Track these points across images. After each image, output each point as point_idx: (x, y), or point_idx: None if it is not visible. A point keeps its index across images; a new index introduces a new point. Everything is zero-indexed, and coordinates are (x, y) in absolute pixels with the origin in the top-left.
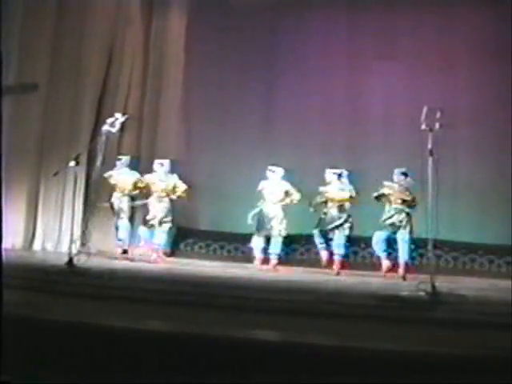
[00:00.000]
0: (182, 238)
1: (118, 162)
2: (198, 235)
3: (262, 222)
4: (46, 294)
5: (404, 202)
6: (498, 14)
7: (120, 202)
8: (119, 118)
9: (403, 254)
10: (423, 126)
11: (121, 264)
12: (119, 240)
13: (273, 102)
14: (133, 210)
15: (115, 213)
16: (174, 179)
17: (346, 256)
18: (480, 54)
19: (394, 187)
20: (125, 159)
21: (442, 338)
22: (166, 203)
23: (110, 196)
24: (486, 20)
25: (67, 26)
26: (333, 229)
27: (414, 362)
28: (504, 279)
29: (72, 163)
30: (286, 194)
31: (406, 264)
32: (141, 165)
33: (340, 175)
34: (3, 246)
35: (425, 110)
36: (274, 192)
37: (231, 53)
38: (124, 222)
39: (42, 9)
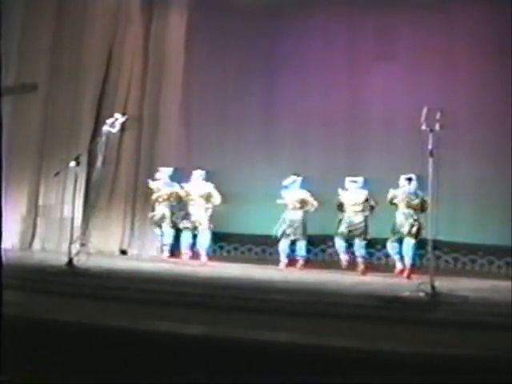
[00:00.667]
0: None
1: (157, 174)
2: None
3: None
4: (45, 294)
5: (409, 206)
6: (497, 15)
7: (163, 210)
8: (119, 118)
9: (408, 257)
10: (423, 127)
11: (120, 264)
12: (164, 245)
13: (273, 103)
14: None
15: (157, 221)
16: (210, 188)
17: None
18: (480, 55)
19: (397, 193)
20: (166, 171)
21: (442, 339)
22: (204, 209)
23: (153, 206)
24: (485, 20)
25: (67, 26)
26: (354, 234)
27: (414, 362)
28: (504, 280)
29: (72, 163)
30: (304, 202)
31: (412, 266)
32: (179, 175)
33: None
34: (3, 246)
35: (425, 110)
36: (294, 199)
37: (231, 53)
38: (168, 229)
39: (41, 9)
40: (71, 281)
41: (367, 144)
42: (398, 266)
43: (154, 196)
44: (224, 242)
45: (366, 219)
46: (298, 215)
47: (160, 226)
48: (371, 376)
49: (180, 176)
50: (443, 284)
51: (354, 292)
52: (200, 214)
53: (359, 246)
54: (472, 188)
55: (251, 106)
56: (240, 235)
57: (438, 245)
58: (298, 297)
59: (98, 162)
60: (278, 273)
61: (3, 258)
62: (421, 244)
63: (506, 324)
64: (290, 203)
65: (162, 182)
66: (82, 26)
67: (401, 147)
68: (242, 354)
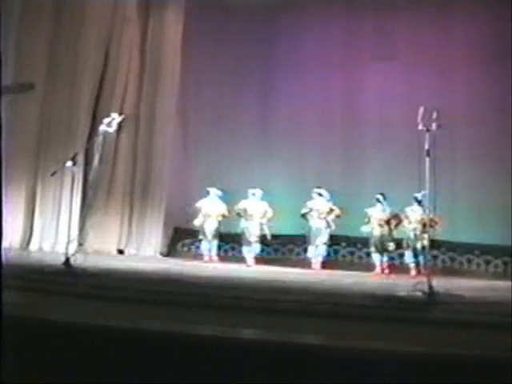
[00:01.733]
0: (178, 238)
1: (210, 191)
2: (194, 235)
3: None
4: (42, 294)
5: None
6: (496, 16)
7: (211, 225)
8: (116, 117)
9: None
10: (420, 127)
11: (117, 264)
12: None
13: (269, 102)
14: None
15: (203, 233)
16: (265, 206)
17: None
18: (477, 55)
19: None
20: (214, 191)
21: (439, 338)
22: (258, 224)
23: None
24: (483, 22)
25: (64, 26)
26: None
27: (410, 361)
28: (501, 279)
29: (69, 163)
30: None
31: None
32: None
33: (381, 199)
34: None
35: (421, 110)
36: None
37: (228, 53)
38: (213, 241)
39: (38, 9)
40: (68, 280)
41: (364, 144)
42: (413, 271)
43: (204, 211)
44: (221, 242)
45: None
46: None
47: (205, 236)
48: (368, 376)
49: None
50: (440, 283)
51: (351, 292)
52: (255, 227)
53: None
54: (469, 188)
55: (248, 105)
56: (236, 235)
57: (434, 244)
58: (295, 296)
59: (95, 162)
60: (275, 273)
61: (3, 258)
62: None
63: (504, 323)
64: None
65: (210, 200)
66: (79, 26)
67: (397, 147)
68: (239, 353)
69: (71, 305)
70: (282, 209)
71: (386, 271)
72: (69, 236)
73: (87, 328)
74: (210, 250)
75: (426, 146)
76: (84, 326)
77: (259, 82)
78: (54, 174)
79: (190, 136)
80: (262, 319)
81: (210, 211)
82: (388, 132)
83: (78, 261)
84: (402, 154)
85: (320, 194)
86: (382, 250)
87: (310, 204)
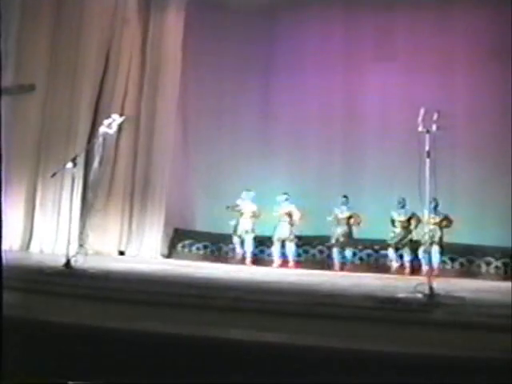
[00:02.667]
0: (178, 239)
1: (243, 194)
2: (195, 236)
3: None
4: (43, 296)
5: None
6: (495, 16)
7: (248, 225)
8: (116, 119)
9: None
10: (420, 128)
11: (117, 265)
12: (245, 253)
13: (270, 102)
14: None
15: (240, 233)
16: (292, 207)
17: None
18: (478, 56)
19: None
20: (248, 193)
21: (439, 340)
22: (288, 224)
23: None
24: (484, 23)
25: (64, 27)
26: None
27: (410, 363)
28: (501, 281)
29: (69, 164)
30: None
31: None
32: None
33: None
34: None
35: (422, 111)
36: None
37: (228, 54)
38: (251, 240)
39: (39, 10)
40: (69, 282)
41: (364, 144)
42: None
43: (240, 211)
44: (221, 243)
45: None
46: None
47: (239, 237)
48: (368, 377)
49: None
50: (441, 285)
51: (351, 293)
52: (284, 228)
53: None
54: (469, 189)
55: (248, 105)
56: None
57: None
58: (294, 298)
59: (95, 163)
60: (273, 273)
61: (3, 259)
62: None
63: (504, 325)
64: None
65: (245, 202)
66: (79, 26)
67: (397, 148)
68: (238, 354)
69: (72, 306)
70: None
71: (407, 270)
72: (69, 237)
73: (88, 329)
74: (243, 250)
75: (427, 148)
76: (85, 328)
77: (260, 82)
78: (54, 175)
79: (191, 137)
80: (262, 320)
81: (243, 210)
82: (388, 133)
83: (78, 262)
84: (402, 155)
85: (344, 202)
86: (410, 249)
87: (336, 211)
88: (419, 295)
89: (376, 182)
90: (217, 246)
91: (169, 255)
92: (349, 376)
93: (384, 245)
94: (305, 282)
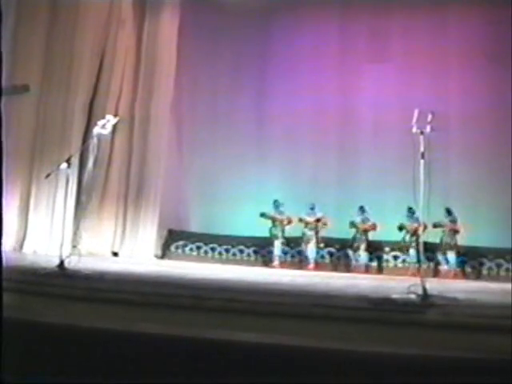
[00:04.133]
0: (173, 240)
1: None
2: (189, 237)
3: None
4: (36, 296)
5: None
6: (490, 19)
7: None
8: (111, 119)
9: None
10: (414, 129)
11: (111, 266)
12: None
13: (264, 104)
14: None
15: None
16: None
17: None
18: (472, 58)
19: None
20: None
21: (433, 341)
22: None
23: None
24: (478, 24)
25: (59, 27)
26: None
27: (404, 364)
28: (495, 281)
29: (64, 165)
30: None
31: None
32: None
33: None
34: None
35: (416, 112)
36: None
37: (223, 55)
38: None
39: (34, 11)
40: (62, 283)
41: (358, 146)
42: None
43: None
44: (215, 244)
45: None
46: None
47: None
48: (362, 378)
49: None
50: (434, 286)
51: (345, 294)
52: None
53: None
54: (463, 190)
55: (242, 106)
56: (231, 237)
57: (428, 247)
58: (289, 299)
59: (90, 164)
60: (269, 275)
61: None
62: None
63: (497, 326)
64: None
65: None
66: (74, 27)
67: (392, 149)
68: (232, 355)
69: (65, 307)
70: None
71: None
72: (63, 238)
73: (81, 330)
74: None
75: (421, 149)
76: (77, 329)
77: (254, 83)
78: (48, 176)
79: (185, 138)
80: (256, 321)
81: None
82: (383, 134)
83: (72, 263)
84: (396, 156)
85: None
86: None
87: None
88: (413, 296)
89: (370, 183)
90: (210, 246)
91: (162, 256)
92: (343, 377)
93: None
94: (299, 283)
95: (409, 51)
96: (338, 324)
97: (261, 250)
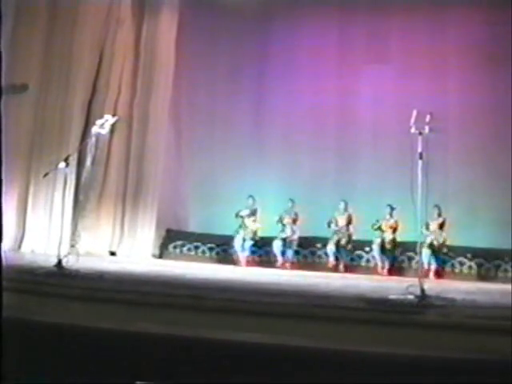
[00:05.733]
0: (171, 239)
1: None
2: (187, 237)
3: None
4: (34, 296)
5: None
6: (489, 19)
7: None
8: (109, 119)
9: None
10: (413, 130)
11: (109, 266)
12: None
13: (263, 104)
14: None
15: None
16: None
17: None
18: (470, 59)
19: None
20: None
21: (430, 341)
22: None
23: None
24: (477, 26)
25: (58, 27)
26: None
27: (402, 364)
28: (492, 282)
29: (62, 164)
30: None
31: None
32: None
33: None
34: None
35: (414, 113)
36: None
37: (222, 55)
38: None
39: (33, 10)
40: (60, 282)
41: (357, 147)
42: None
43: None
44: (213, 244)
45: None
46: None
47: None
48: (359, 378)
49: None
50: (432, 286)
51: (342, 294)
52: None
53: None
54: (461, 191)
55: (241, 107)
56: (229, 237)
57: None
58: (287, 299)
59: (88, 163)
60: (267, 275)
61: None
62: (409, 247)
63: (494, 326)
64: None
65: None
66: (73, 27)
67: (390, 150)
68: (230, 355)
69: (63, 306)
70: (274, 213)
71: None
72: (61, 237)
73: (79, 329)
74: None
75: (419, 149)
76: (76, 328)
77: (253, 84)
78: (46, 175)
79: (183, 138)
80: (254, 322)
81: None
82: (381, 135)
83: (70, 262)
84: (394, 156)
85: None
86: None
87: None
88: (410, 297)
89: (369, 183)
90: (208, 246)
91: (160, 256)
92: (342, 377)
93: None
94: (298, 283)
95: (408, 52)
96: (336, 324)
97: (258, 250)
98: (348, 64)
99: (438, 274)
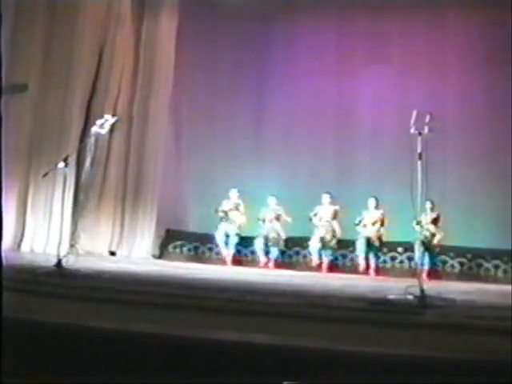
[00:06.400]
0: (170, 240)
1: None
2: (186, 237)
3: None
4: (34, 296)
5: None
6: (488, 19)
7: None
8: (109, 119)
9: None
10: (412, 130)
11: (109, 266)
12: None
13: (263, 104)
14: None
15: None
16: (281, 210)
17: None
18: (470, 59)
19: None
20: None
21: (430, 342)
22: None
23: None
24: (476, 26)
25: (58, 27)
26: None
27: (401, 365)
28: (492, 283)
29: (61, 164)
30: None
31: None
32: None
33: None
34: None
35: (414, 113)
36: None
37: (221, 55)
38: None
39: (32, 10)
40: (60, 282)
41: (356, 147)
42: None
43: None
44: (212, 244)
45: None
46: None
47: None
48: (358, 378)
49: None
50: (432, 287)
51: (342, 294)
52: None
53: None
54: (461, 191)
55: (241, 107)
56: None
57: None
58: (286, 299)
59: (87, 163)
60: (266, 275)
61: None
62: (408, 247)
63: (494, 327)
64: None
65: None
66: (72, 27)
67: (389, 150)
68: (230, 355)
69: (63, 306)
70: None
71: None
72: (60, 237)
73: (78, 329)
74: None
75: (419, 150)
76: (75, 328)
77: (253, 84)
78: (45, 175)
79: (183, 137)
80: (253, 322)
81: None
82: (381, 135)
83: (69, 262)
84: (394, 157)
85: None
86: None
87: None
88: (410, 297)
89: (368, 183)
90: (208, 247)
91: (160, 256)
92: (341, 377)
93: None
94: (296, 284)
95: (407, 53)
96: (335, 324)
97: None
98: (348, 64)
99: (431, 275)
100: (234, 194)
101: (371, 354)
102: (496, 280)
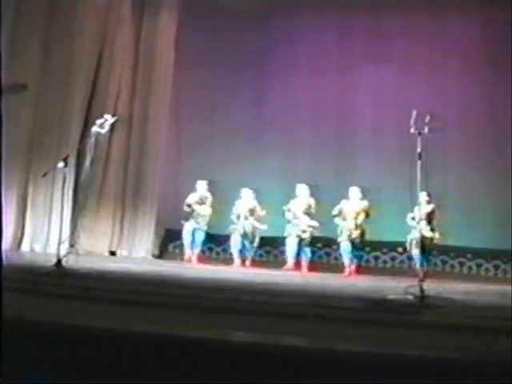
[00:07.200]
0: (170, 239)
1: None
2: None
3: None
4: (34, 295)
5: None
6: (488, 19)
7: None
8: (108, 119)
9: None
10: (412, 130)
11: (109, 266)
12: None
13: (263, 103)
14: None
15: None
16: (255, 203)
17: None
18: (470, 59)
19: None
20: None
21: (430, 342)
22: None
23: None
24: (476, 25)
25: (58, 26)
26: None
27: (400, 365)
28: (492, 283)
29: (61, 164)
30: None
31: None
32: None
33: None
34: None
35: (414, 113)
36: None
37: (221, 54)
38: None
39: (32, 9)
40: (60, 282)
41: (356, 146)
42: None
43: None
44: (213, 244)
45: None
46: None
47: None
48: (358, 379)
49: None
50: (432, 287)
51: (341, 294)
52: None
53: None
54: (460, 191)
55: (241, 106)
56: (228, 236)
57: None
58: (285, 299)
59: (87, 163)
60: (266, 275)
61: (3, 259)
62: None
63: (494, 327)
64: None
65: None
66: (72, 26)
67: (389, 149)
68: (229, 355)
69: (63, 306)
70: (273, 209)
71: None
72: (60, 237)
73: (78, 329)
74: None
75: (418, 149)
76: (75, 328)
77: (252, 83)
78: (45, 174)
79: (183, 137)
80: (253, 321)
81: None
82: (380, 134)
83: (69, 262)
84: (393, 156)
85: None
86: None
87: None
88: (410, 297)
89: (367, 182)
90: (208, 246)
91: (160, 256)
92: (341, 377)
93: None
94: (296, 283)
95: (407, 52)
96: (335, 324)
97: (258, 249)
98: (348, 63)
99: (428, 275)
100: (201, 186)
101: (371, 354)
102: (496, 280)
